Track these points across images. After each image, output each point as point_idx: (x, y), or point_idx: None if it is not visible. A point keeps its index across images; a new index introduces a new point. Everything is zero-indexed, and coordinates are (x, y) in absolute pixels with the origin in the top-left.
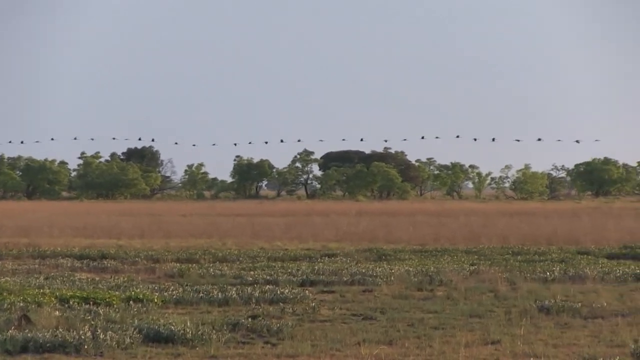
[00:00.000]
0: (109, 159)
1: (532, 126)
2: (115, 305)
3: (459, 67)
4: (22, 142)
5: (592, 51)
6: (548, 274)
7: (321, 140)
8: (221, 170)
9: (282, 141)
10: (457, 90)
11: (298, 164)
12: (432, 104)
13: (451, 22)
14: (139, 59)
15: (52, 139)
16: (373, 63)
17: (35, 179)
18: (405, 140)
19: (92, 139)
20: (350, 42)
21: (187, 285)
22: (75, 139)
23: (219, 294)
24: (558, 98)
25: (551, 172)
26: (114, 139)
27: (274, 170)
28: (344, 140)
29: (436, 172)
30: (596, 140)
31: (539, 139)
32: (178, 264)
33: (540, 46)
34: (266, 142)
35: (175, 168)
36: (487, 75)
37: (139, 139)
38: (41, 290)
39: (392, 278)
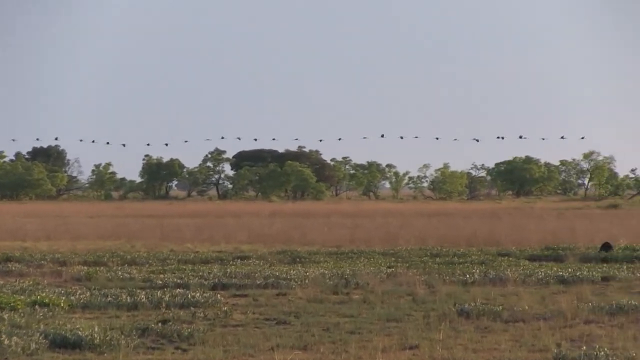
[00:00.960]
0: (13, 158)
1: (452, 124)
2: (20, 310)
3: (375, 64)
4: None
5: (507, 45)
6: (468, 276)
7: (238, 138)
8: (130, 170)
9: (208, 140)
10: (374, 87)
11: (209, 164)
12: (348, 101)
13: (363, 18)
14: (46, 55)
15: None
16: (286, 60)
17: None
18: (332, 141)
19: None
20: (260, 39)
21: (94, 289)
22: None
23: (128, 298)
24: (478, 95)
25: (471, 171)
26: (13, 140)
27: (185, 169)
28: (255, 140)
29: (352, 171)
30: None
31: (455, 139)
32: (85, 267)
33: (459, 42)
34: (186, 141)
35: (82, 168)
36: (405, 71)
37: (37, 139)
38: None
39: (307, 281)
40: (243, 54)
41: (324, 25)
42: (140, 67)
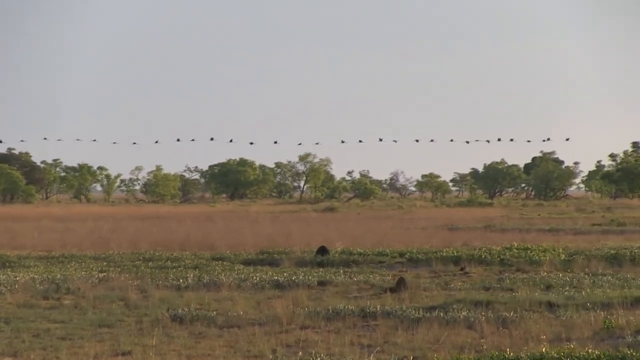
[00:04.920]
0: None
1: (168, 126)
2: None
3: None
4: None
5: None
6: (181, 281)
7: None
8: None
9: None
10: (85, 87)
11: None
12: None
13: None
14: None
15: None
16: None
17: None
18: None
19: None
20: None
21: None
22: None
23: None
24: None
25: (184, 173)
26: None
27: None
28: None
29: (63, 174)
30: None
31: (156, 142)
32: None
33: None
34: None
35: None
36: (115, 73)
37: None
38: None
39: (17, 286)
40: None
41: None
42: None
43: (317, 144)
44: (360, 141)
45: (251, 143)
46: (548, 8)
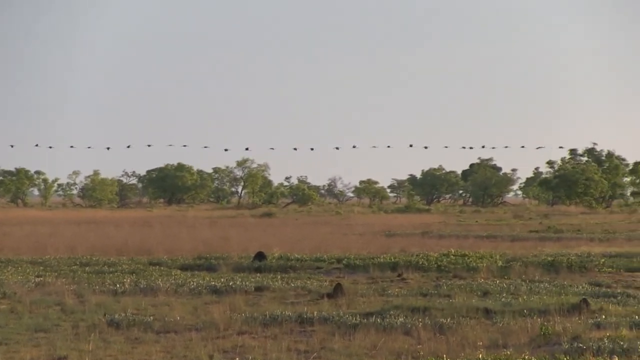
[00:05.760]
0: None
1: (105, 130)
2: None
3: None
4: None
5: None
6: (118, 286)
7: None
8: None
9: None
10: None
11: None
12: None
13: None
14: None
15: None
16: None
17: None
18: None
19: None
20: None
21: None
22: None
23: None
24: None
25: (122, 178)
26: None
27: None
28: None
29: (0, 178)
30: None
31: (89, 147)
32: None
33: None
34: None
35: None
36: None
37: None
38: None
39: None
40: None
41: None
42: None
43: (246, 149)
44: (295, 149)
45: (184, 146)
46: (477, 16)
